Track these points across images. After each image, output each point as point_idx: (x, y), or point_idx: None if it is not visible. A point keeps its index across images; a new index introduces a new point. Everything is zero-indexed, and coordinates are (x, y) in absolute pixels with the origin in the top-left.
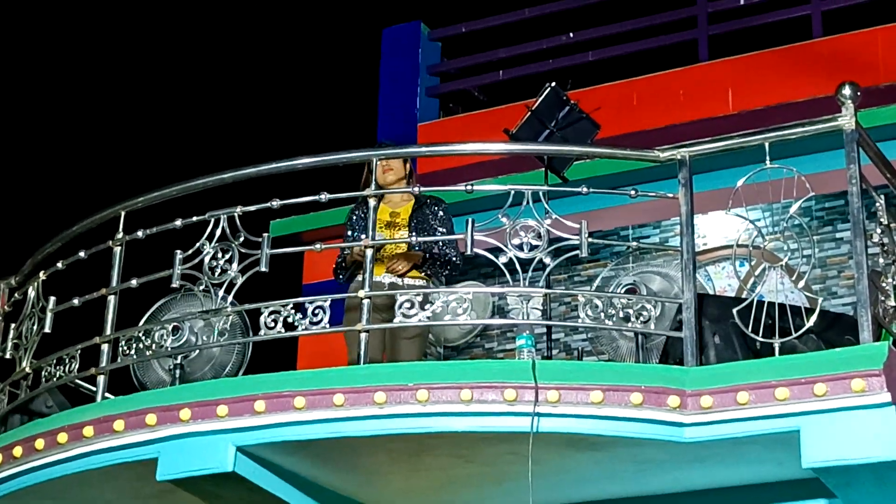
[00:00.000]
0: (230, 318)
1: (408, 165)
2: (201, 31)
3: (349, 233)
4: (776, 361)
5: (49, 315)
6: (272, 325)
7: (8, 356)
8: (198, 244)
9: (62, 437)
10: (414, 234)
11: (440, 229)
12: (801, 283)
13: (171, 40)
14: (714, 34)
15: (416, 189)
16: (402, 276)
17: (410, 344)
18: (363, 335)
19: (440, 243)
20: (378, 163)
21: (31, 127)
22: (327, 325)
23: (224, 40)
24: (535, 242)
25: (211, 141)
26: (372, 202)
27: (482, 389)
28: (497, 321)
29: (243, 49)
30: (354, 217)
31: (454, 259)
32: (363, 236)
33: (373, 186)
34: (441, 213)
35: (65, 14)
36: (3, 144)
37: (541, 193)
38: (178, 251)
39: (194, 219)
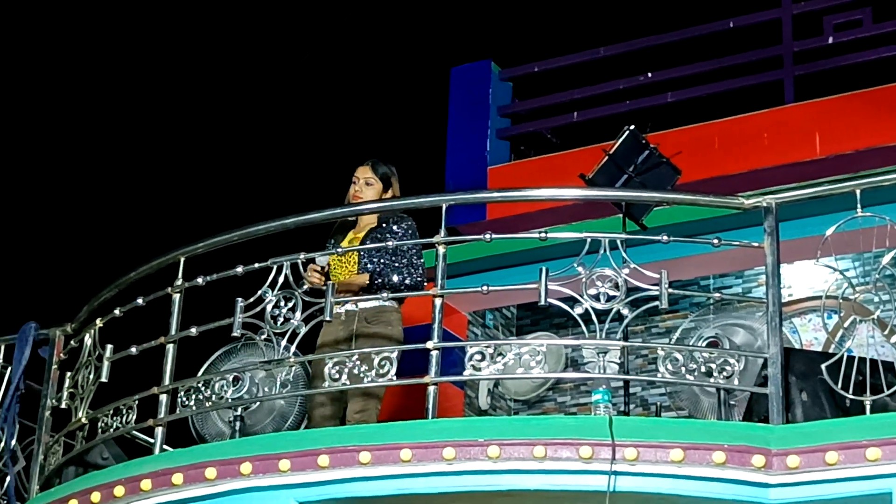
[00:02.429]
0: (293, 368)
1: (389, 192)
2: (263, 70)
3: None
4: (867, 420)
5: (106, 364)
6: (337, 376)
7: (63, 406)
8: (260, 292)
9: (119, 491)
10: (364, 255)
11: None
12: (894, 338)
13: (231, 81)
14: (800, 74)
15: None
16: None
17: (358, 401)
18: (431, 388)
19: (385, 263)
20: (353, 183)
21: (90, 169)
22: (394, 378)
23: (287, 81)
24: (612, 293)
25: (273, 184)
26: (442, 249)
27: (556, 446)
28: (572, 375)
29: (306, 90)
30: (328, 246)
31: (406, 281)
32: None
33: (442, 233)
34: (398, 228)
35: (122, 64)
36: (62, 186)
37: (618, 241)
38: (240, 299)
39: (256, 265)
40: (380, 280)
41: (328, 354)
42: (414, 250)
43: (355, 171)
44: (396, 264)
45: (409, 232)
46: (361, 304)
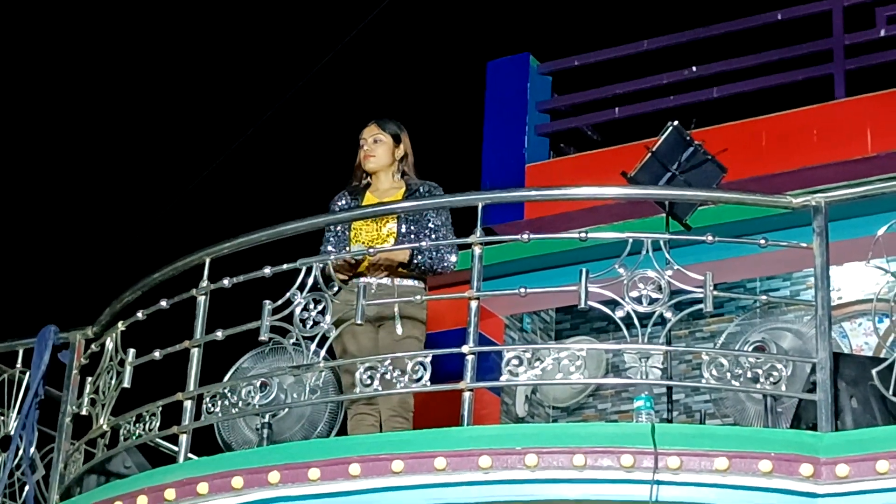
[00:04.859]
0: (323, 374)
1: (401, 147)
2: (291, 66)
3: (329, 232)
4: None
5: (128, 369)
6: (368, 381)
7: (84, 412)
8: (288, 294)
9: (142, 500)
10: (403, 226)
11: (434, 221)
12: None
13: (259, 76)
14: (851, 69)
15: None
16: (388, 276)
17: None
18: (467, 394)
19: (434, 239)
20: (360, 147)
21: (113, 170)
22: (428, 383)
23: (316, 77)
24: (655, 295)
25: (302, 183)
26: (478, 250)
27: (597, 454)
28: (613, 380)
29: (339, 86)
30: (338, 209)
31: (448, 261)
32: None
33: (478, 233)
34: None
35: (140, 65)
36: (84, 187)
37: (661, 242)
38: (267, 301)
39: (284, 266)
40: (420, 257)
41: (359, 359)
42: (449, 225)
43: (360, 135)
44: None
45: (446, 208)
46: (397, 281)
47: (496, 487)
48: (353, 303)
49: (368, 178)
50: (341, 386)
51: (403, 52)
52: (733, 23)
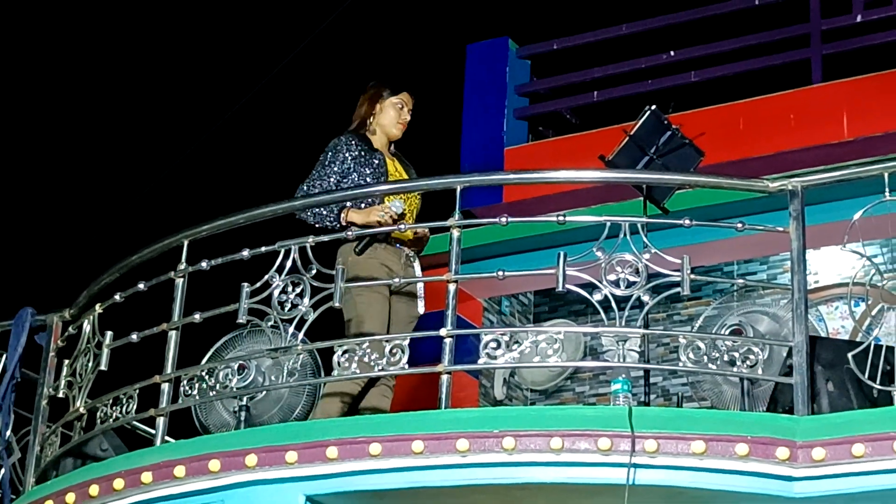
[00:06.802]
0: (300, 356)
1: None
2: (271, 49)
3: (355, 174)
4: (895, 411)
5: (105, 351)
6: (346, 364)
7: (61, 395)
8: (266, 276)
9: (118, 483)
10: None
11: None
12: None
13: (239, 58)
14: (828, 53)
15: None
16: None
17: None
18: (445, 377)
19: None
20: (397, 108)
21: (90, 151)
22: (406, 366)
23: (296, 60)
24: (632, 278)
25: (281, 166)
26: (456, 233)
27: (574, 438)
28: (590, 363)
29: (319, 69)
30: (353, 154)
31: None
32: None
33: (456, 216)
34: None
35: (123, 46)
36: (62, 168)
37: (639, 225)
38: (245, 284)
39: (263, 249)
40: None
41: (337, 342)
42: None
43: (398, 94)
44: None
45: None
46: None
47: (474, 470)
48: (385, 264)
49: (370, 129)
50: (319, 369)
51: (383, 35)
52: (711, 7)
